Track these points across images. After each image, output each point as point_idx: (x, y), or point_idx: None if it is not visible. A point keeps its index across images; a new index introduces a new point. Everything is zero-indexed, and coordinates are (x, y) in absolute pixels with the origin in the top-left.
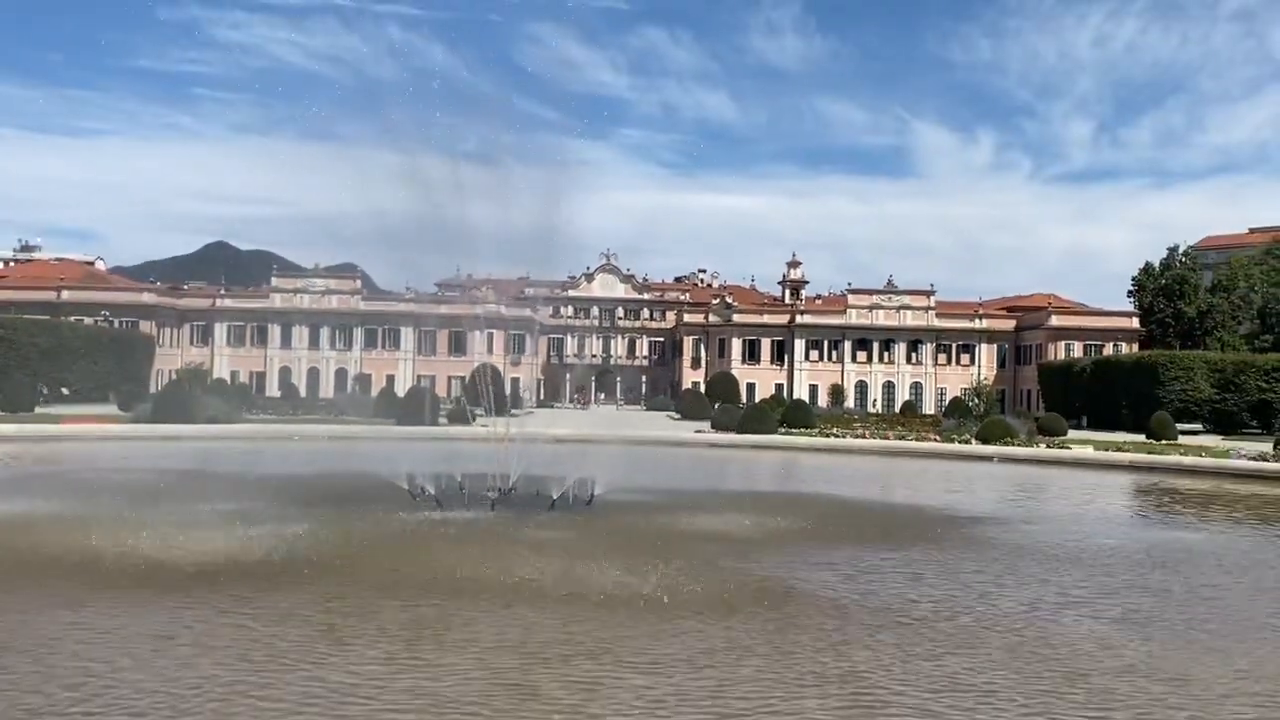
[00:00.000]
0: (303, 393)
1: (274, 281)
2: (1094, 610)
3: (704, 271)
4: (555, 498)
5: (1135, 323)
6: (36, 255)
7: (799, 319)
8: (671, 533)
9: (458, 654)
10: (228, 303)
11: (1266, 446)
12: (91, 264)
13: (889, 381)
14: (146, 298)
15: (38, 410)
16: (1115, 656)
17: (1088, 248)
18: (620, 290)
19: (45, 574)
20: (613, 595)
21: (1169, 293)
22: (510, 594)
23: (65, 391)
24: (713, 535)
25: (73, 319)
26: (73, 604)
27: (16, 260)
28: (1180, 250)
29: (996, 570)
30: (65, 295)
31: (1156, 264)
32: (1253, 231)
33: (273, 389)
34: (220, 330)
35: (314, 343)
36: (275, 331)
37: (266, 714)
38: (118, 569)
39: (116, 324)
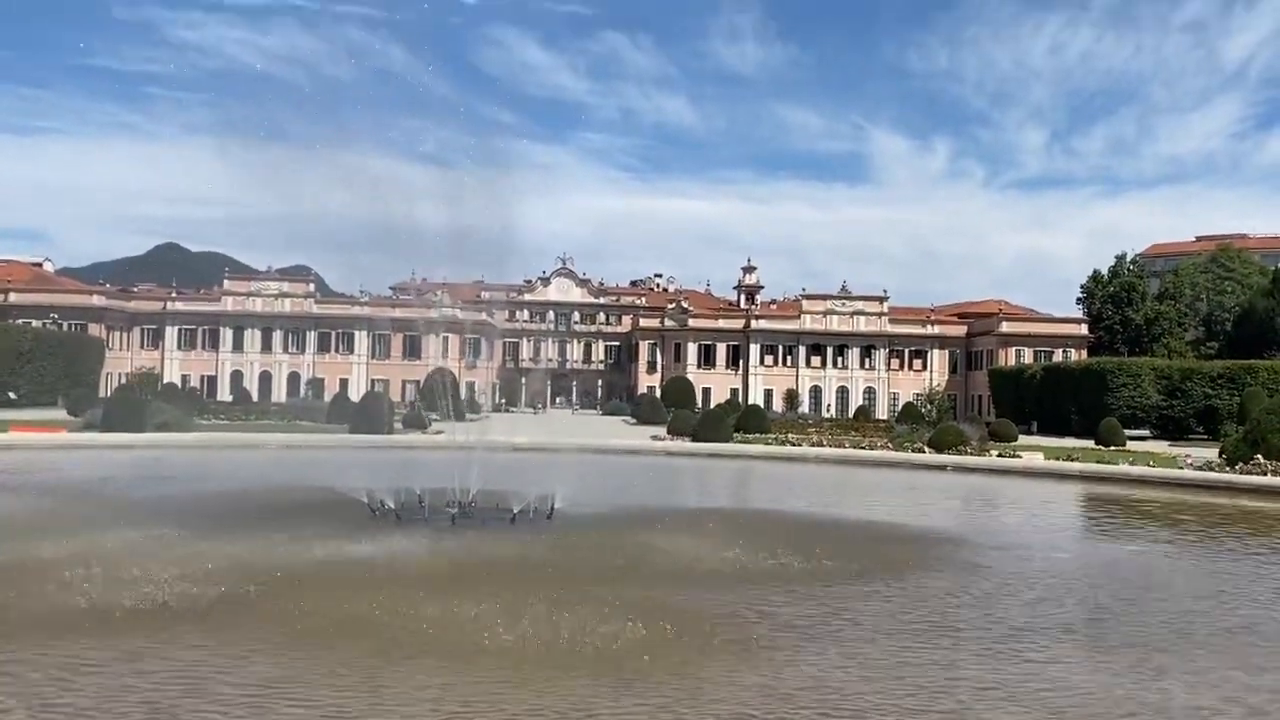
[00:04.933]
0: (255, 397)
1: (226, 284)
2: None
3: (660, 276)
4: (515, 512)
5: (1084, 329)
6: None
7: (754, 324)
8: (626, 556)
9: None
10: (179, 305)
11: (1212, 453)
12: (39, 265)
13: (843, 386)
14: (96, 300)
15: None
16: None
17: (1040, 254)
18: (576, 294)
19: None
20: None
21: (1117, 300)
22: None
23: (12, 396)
24: (666, 563)
25: (20, 322)
26: None
27: None
28: (1128, 258)
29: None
30: (12, 297)
31: (1105, 271)
32: (1199, 240)
33: (224, 393)
34: (171, 333)
35: (266, 346)
36: (227, 335)
37: None
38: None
39: (65, 326)
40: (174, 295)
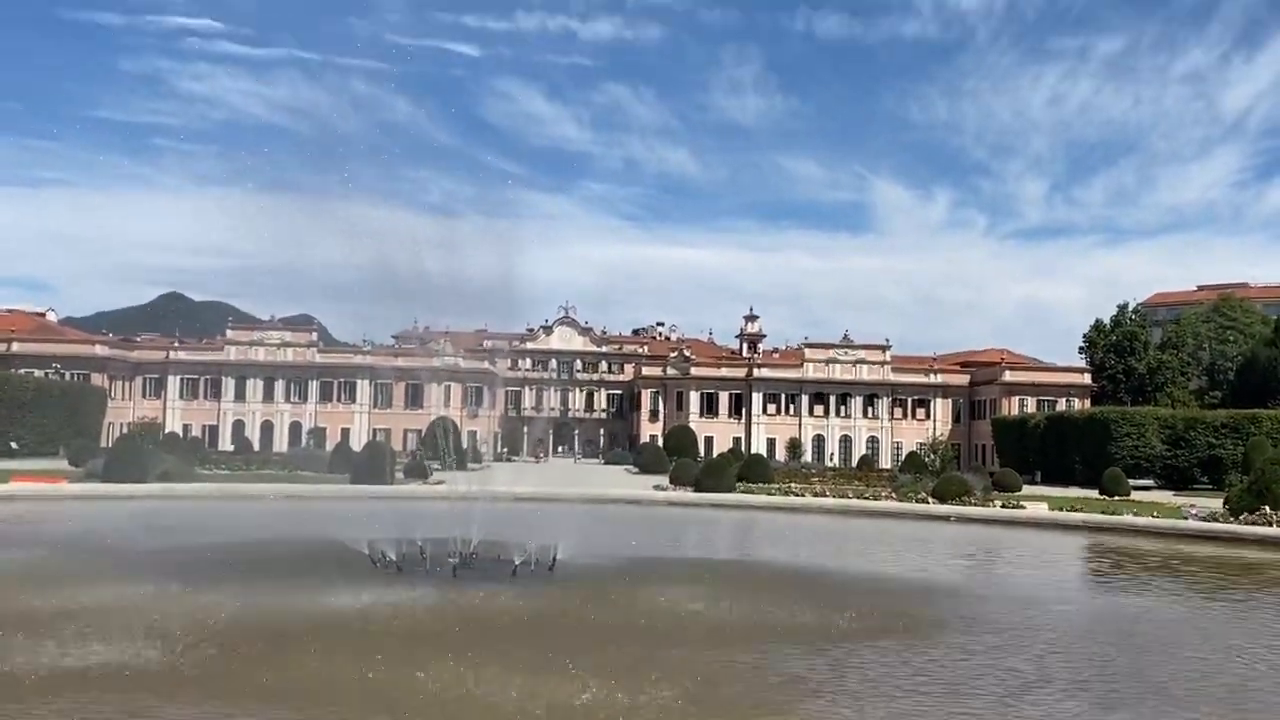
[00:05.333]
0: (257, 446)
1: (229, 333)
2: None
3: (662, 325)
4: (517, 564)
5: (1087, 378)
6: None
7: (756, 372)
8: (628, 611)
9: None
10: (181, 355)
11: (1217, 503)
12: (43, 315)
13: (846, 435)
14: (99, 349)
15: None
16: None
17: (1042, 303)
18: (579, 343)
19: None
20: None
21: (1120, 349)
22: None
23: (14, 446)
24: (668, 618)
25: (22, 371)
26: None
27: None
28: (1130, 307)
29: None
30: (15, 347)
31: (1107, 321)
32: (1201, 289)
33: (226, 442)
34: (173, 383)
35: (269, 395)
36: (229, 384)
37: None
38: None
39: (68, 376)
40: (177, 345)
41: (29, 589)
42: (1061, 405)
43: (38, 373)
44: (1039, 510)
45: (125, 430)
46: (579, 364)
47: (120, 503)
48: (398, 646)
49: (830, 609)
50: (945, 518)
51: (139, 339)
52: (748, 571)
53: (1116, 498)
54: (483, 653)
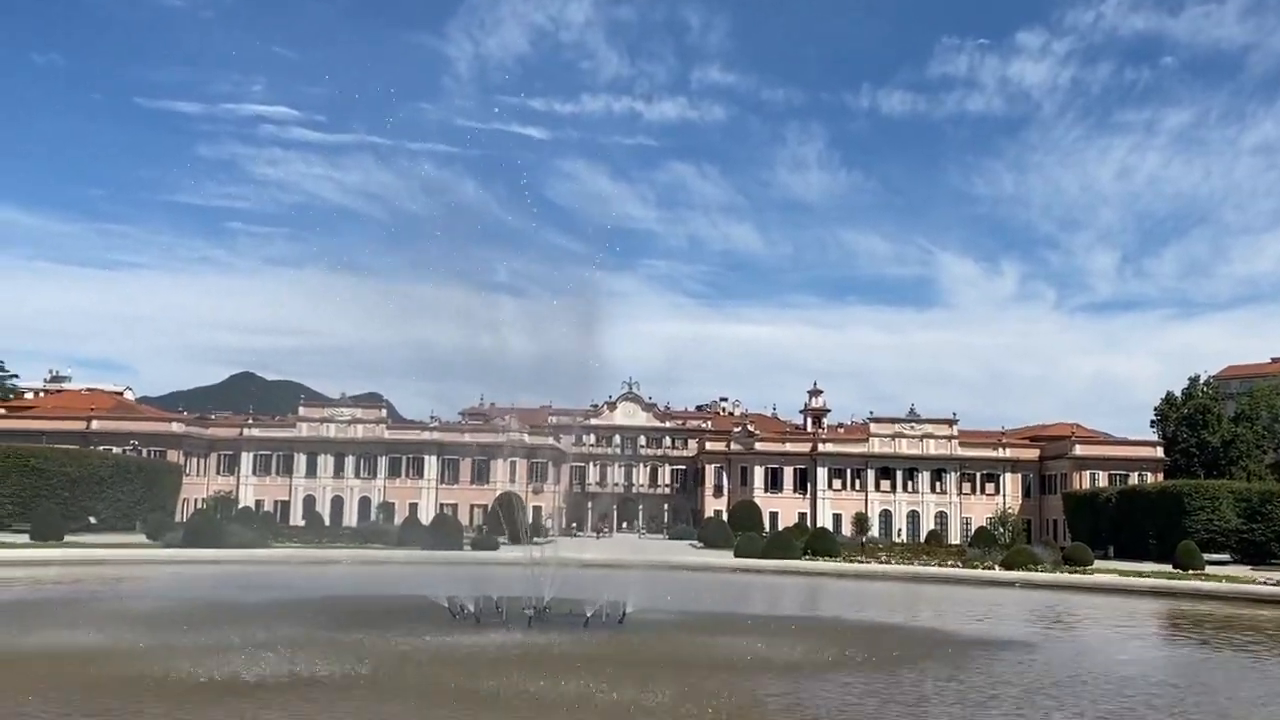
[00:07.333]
0: (327, 521)
1: (301, 410)
2: None
3: (725, 400)
4: (589, 615)
5: (1159, 452)
6: (66, 386)
7: (821, 447)
8: (695, 651)
9: None
10: (255, 432)
11: None
12: (120, 394)
13: (913, 511)
14: (175, 427)
15: (66, 539)
16: None
17: (1113, 377)
18: (642, 419)
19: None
20: None
21: (1192, 422)
22: None
23: (92, 520)
24: (732, 656)
25: (101, 448)
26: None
27: (47, 391)
28: (1202, 380)
29: None
30: (95, 425)
31: (1179, 393)
32: (1275, 361)
33: (297, 517)
34: (247, 459)
35: (339, 471)
36: (301, 460)
37: None
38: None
39: (145, 453)
40: (250, 422)
41: (196, 630)
42: (1134, 480)
43: (116, 450)
44: (1105, 576)
45: (200, 505)
46: (643, 439)
47: (206, 566)
48: (496, 670)
49: (890, 652)
50: (1010, 584)
51: (214, 417)
52: (813, 625)
53: (1190, 571)
54: (565, 675)
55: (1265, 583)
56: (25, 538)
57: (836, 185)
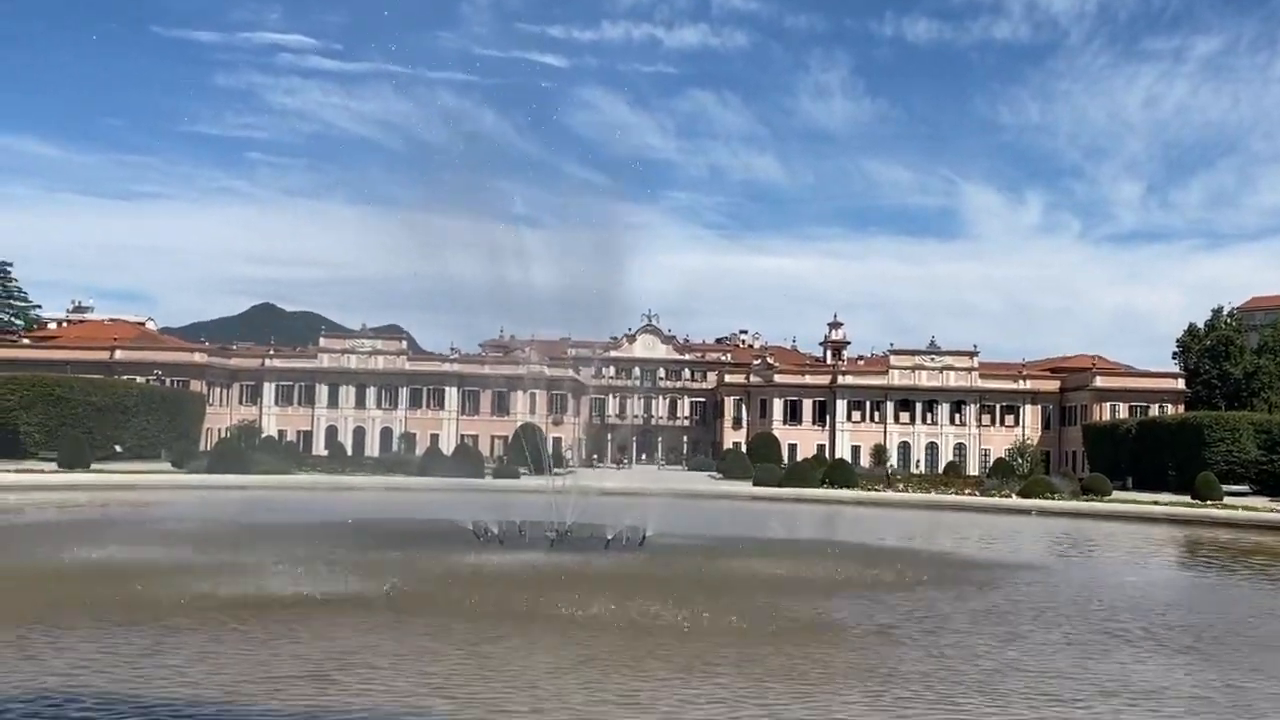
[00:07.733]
0: (349, 451)
1: (321, 342)
2: None
3: (745, 332)
4: (609, 539)
5: (1181, 384)
6: (89, 316)
7: (841, 379)
8: (712, 571)
9: None
10: (276, 363)
11: None
12: (143, 324)
13: (932, 442)
14: (198, 357)
15: (93, 467)
16: None
17: (1136, 309)
18: (662, 351)
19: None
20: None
21: (1214, 354)
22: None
23: (118, 449)
24: (747, 576)
25: (125, 378)
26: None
27: (70, 321)
28: (1225, 311)
29: None
30: (119, 355)
31: (1201, 325)
32: None
33: (320, 447)
34: (269, 389)
35: (360, 402)
36: (323, 391)
37: None
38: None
39: (168, 383)
40: (271, 353)
41: (241, 548)
42: (1154, 412)
43: (140, 379)
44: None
45: (224, 435)
46: (662, 372)
47: (233, 491)
48: (527, 587)
49: (905, 572)
50: (1026, 511)
51: (235, 347)
52: (829, 548)
53: (1209, 503)
54: (588, 591)
55: None
56: (53, 465)
57: (860, 114)
